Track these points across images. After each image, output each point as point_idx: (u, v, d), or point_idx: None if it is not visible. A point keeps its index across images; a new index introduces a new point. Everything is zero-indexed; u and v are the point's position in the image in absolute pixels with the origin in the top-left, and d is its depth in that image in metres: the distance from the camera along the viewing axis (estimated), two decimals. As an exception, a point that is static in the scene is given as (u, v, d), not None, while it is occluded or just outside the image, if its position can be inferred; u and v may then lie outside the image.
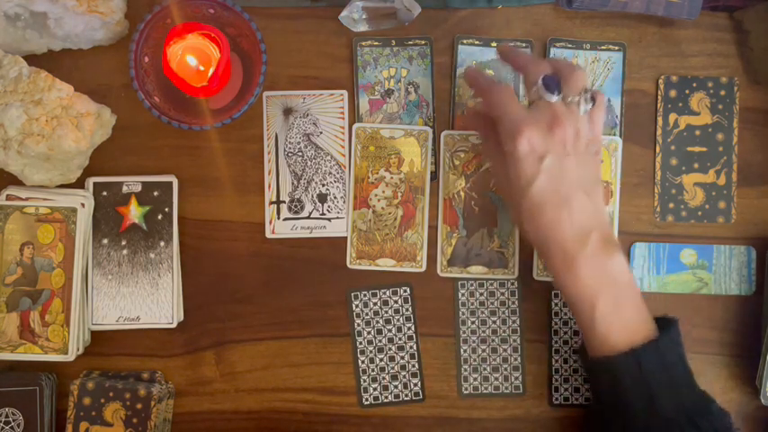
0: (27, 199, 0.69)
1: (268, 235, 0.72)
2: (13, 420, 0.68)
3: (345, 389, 0.73)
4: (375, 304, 0.73)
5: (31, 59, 0.68)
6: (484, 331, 0.73)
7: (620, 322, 0.60)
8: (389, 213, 0.72)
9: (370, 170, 0.72)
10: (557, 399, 0.73)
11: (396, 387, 0.73)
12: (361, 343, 0.73)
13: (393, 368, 0.73)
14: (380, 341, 0.73)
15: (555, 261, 0.61)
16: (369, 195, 0.72)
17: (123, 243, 0.71)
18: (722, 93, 0.74)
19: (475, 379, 0.73)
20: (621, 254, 0.61)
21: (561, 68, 0.63)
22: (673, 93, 0.74)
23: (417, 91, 0.73)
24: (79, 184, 0.71)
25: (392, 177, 0.73)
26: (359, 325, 0.73)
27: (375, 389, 0.73)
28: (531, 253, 0.73)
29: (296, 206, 0.72)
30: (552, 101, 0.61)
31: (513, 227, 0.73)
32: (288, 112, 0.72)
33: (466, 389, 0.73)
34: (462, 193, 0.73)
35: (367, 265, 0.72)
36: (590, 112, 0.62)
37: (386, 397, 0.73)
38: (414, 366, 0.73)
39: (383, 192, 0.72)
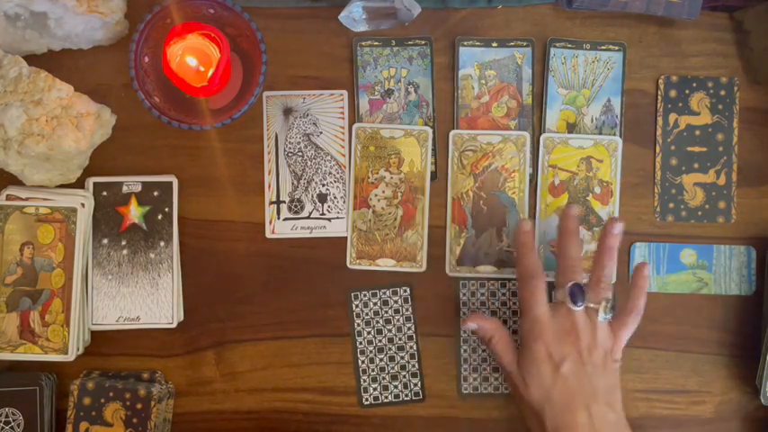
0: (27, 199, 0.69)
1: (268, 235, 0.72)
2: (13, 420, 0.68)
3: (345, 389, 0.73)
4: (375, 304, 0.73)
5: (31, 59, 0.68)
6: (484, 331, 0.73)
7: None
8: (389, 213, 0.72)
9: (370, 170, 0.72)
10: (557, 399, 0.73)
11: (396, 387, 0.73)
12: (361, 343, 0.73)
13: (393, 368, 0.73)
14: (380, 341, 0.73)
15: None
16: (369, 195, 0.72)
17: (123, 243, 0.71)
18: (722, 93, 0.74)
19: (475, 379, 0.73)
20: None
21: (591, 275, 0.66)
22: (673, 93, 0.74)
23: (417, 91, 0.73)
24: (79, 184, 0.71)
25: (392, 177, 0.73)
26: (359, 325, 0.73)
27: (375, 389, 0.73)
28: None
29: (296, 206, 0.72)
30: (575, 310, 0.64)
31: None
32: (288, 112, 0.72)
33: (466, 389, 0.73)
34: (471, 193, 0.73)
35: (367, 265, 0.72)
36: (612, 324, 0.65)
37: (386, 397, 0.73)
38: (414, 366, 0.73)
39: (383, 192, 0.72)
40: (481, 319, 0.68)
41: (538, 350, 0.63)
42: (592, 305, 0.64)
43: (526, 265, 0.67)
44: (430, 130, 0.72)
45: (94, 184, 0.71)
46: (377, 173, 0.72)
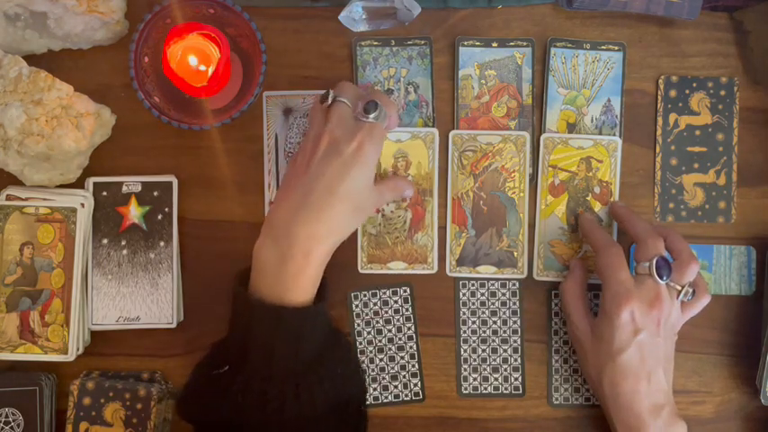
0: (27, 199, 0.69)
1: (268, 235, 0.72)
2: (13, 420, 0.68)
3: (345, 389, 0.73)
4: (375, 304, 0.73)
5: (31, 59, 0.68)
6: (484, 331, 0.73)
7: None
8: (399, 216, 0.72)
9: (378, 174, 0.72)
10: (556, 399, 0.73)
11: (396, 387, 0.73)
12: (360, 343, 0.73)
13: (393, 368, 0.73)
14: (380, 341, 0.73)
15: (623, 427, 0.65)
16: None
17: (123, 243, 0.71)
18: (722, 93, 0.74)
19: (475, 379, 0.73)
20: (685, 426, 0.65)
21: (679, 253, 0.67)
22: (673, 93, 0.74)
23: (417, 91, 0.73)
24: (79, 184, 0.71)
25: None
26: (359, 325, 0.73)
27: (375, 389, 0.73)
28: (534, 252, 0.73)
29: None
30: (660, 283, 0.64)
31: (522, 225, 0.73)
32: (288, 112, 0.72)
33: (466, 389, 0.73)
34: (471, 193, 0.73)
35: (378, 269, 0.72)
36: (683, 303, 0.67)
37: (386, 397, 0.73)
38: (414, 366, 0.73)
39: None
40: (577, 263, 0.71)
41: (623, 315, 0.63)
42: (673, 284, 0.65)
43: (599, 237, 0.68)
44: (436, 132, 0.72)
45: (94, 184, 0.71)
46: (385, 176, 0.72)
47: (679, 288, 0.66)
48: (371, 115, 0.62)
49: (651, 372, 0.64)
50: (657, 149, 0.74)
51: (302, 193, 0.61)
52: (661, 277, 0.64)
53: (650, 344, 0.64)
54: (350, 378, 0.65)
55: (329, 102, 0.64)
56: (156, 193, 0.71)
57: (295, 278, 0.60)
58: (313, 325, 0.61)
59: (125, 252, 0.71)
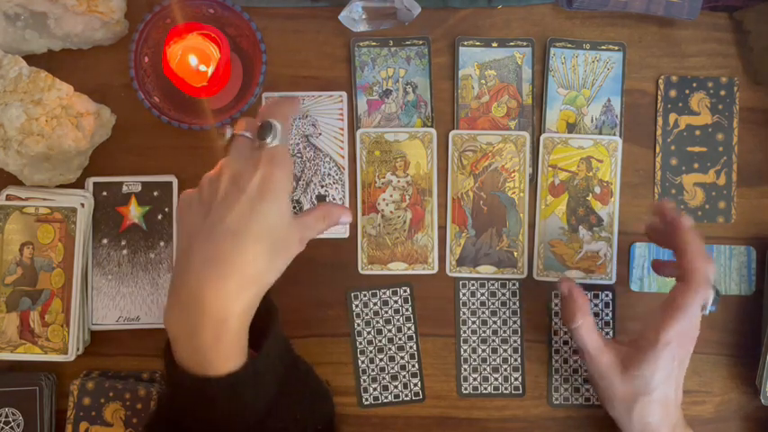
0: (27, 199, 0.69)
1: (268, 235, 0.72)
2: (13, 420, 0.68)
3: (345, 389, 0.73)
4: (375, 304, 0.73)
5: (31, 59, 0.68)
6: (484, 331, 0.73)
7: None
8: (398, 217, 0.72)
9: (376, 174, 0.72)
10: (557, 399, 0.73)
11: (396, 387, 0.73)
12: (360, 343, 0.73)
13: (393, 368, 0.73)
14: (380, 341, 0.73)
15: None
16: (377, 200, 0.72)
17: (123, 243, 0.71)
18: (722, 93, 0.74)
19: (475, 379, 0.73)
20: None
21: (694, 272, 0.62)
22: (673, 93, 0.74)
23: (415, 91, 0.73)
24: (79, 184, 0.71)
25: (399, 181, 0.73)
26: (359, 325, 0.73)
27: (375, 389, 0.73)
28: (534, 252, 0.73)
29: (295, 207, 0.72)
30: (707, 312, 0.62)
31: (522, 225, 0.73)
32: (287, 112, 0.72)
33: (465, 389, 0.73)
34: (471, 193, 0.73)
35: (379, 269, 0.72)
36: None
37: (386, 397, 0.73)
38: (414, 366, 0.73)
39: (391, 196, 0.73)
40: (577, 290, 0.64)
41: (668, 351, 0.61)
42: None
43: (700, 267, 0.61)
44: (434, 132, 0.72)
45: (94, 184, 0.71)
46: (383, 177, 0.72)
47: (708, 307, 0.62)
48: (268, 139, 0.54)
49: (677, 396, 0.63)
50: (657, 149, 0.74)
51: (204, 246, 0.52)
52: (707, 307, 0.62)
53: (682, 372, 0.63)
54: (316, 401, 0.59)
55: (227, 139, 0.57)
56: (156, 193, 0.71)
57: (214, 349, 0.51)
58: (254, 384, 0.53)
59: (125, 252, 0.71)
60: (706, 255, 0.62)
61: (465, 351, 0.73)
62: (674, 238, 0.62)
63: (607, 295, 0.73)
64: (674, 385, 0.63)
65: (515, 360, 0.73)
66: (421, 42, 0.73)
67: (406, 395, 0.73)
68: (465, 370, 0.73)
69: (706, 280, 0.60)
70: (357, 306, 0.73)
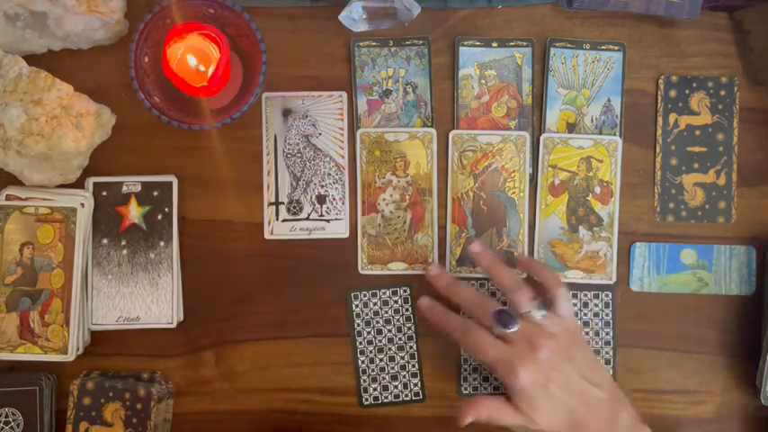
0: (27, 199, 0.69)
1: (267, 236, 0.72)
2: (13, 420, 0.68)
3: (345, 389, 0.73)
4: (375, 304, 0.73)
5: (31, 59, 0.68)
6: (484, 331, 0.73)
7: None
8: (398, 217, 0.72)
9: (376, 174, 0.72)
10: (557, 399, 0.73)
11: (396, 387, 0.73)
12: (360, 343, 0.73)
13: (393, 368, 0.73)
14: (380, 341, 0.73)
15: None
16: (377, 200, 0.72)
17: (123, 243, 0.71)
18: (722, 93, 0.74)
19: (475, 379, 0.73)
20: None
21: (505, 289, 0.66)
22: (673, 93, 0.74)
23: (415, 91, 0.73)
24: (79, 184, 0.71)
25: (399, 181, 0.73)
26: (359, 325, 0.73)
27: (375, 389, 0.73)
28: (535, 252, 0.73)
29: (295, 207, 0.72)
30: (515, 329, 0.63)
31: (522, 225, 0.73)
32: (287, 113, 0.72)
33: (466, 389, 0.73)
34: (471, 193, 0.73)
35: (379, 270, 0.72)
36: (550, 307, 0.65)
37: (386, 397, 0.73)
38: (414, 366, 0.73)
39: (391, 196, 0.73)
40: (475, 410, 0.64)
41: (523, 381, 0.62)
42: (524, 312, 0.64)
43: (458, 323, 0.67)
44: (434, 132, 0.72)
45: (94, 184, 0.71)
46: (383, 177, 0.72)
47: (529, 311, 0.64)
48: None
49: (588, 396, 0.62)
50: (657, 149, 0.74)
51: None
52: (507, 326, 0.63)
53: (566, 378, 0.62)
54: None
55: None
56: (156, 193, 0.71)
57: None
58: None
59: (125, 252, 0.71)
60: (464, 296, 0.67)
61: (465, 351, 0.73)
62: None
63: (607, 295, 0.73)
64: (579, 394, 0.62)
65: (515, 360, 0.73)
66: (421, 42, 0.73)
67: (406, 395, 0.73)
68: (465, 370, 0.73)
69: (462, 330, 0.65)
70: (357, 306, 0.73)
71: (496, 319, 0.63)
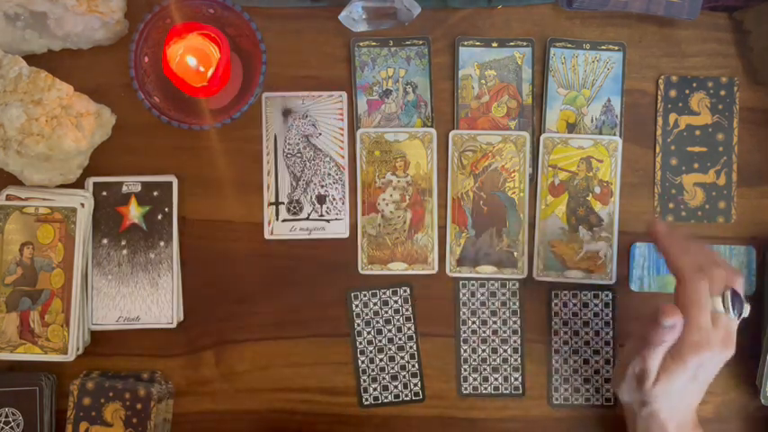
0: (27, 199, 0.69)
1: (267, 236, 0.72)
2: (13, 420, 0.68)
3: (345, 389, 0.73)
4: (375, 304, 0.73)
5: (31, 59, 0.68)
6: (484, 331, 0.73)
7: None
8: (398, 217, 0.72)
9: (376, 174, 0.72)
10: (557, 399, 0.73)
11: (396, 387, 0.73)
12: (360, 343, 0.73)
13: (393, 368, 0.73)
14: (380, 341, 0.73)
15: None
16: (377, 200, 0.72)
17: (123, 243, 0.71)
18: (722, 93, 0.74)
19: (475, 379, 0.73)
20: None
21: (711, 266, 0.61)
22: (673, 93, 0.74)
23: (415, 91, 0.73)
24: (79, 184, 0.71)
25: (399, 181, 0.73)
26: (359, 325, 0.73)
27: (375, 389, 0.73)
28: (534, 252, 0.73)
29: (295, 207, 0.72)
30: (733, 320, 0.60)
31: (522, 225, 0.73)
32: (287, 113, 0.72)
33: (466, 389, 0.73)
34: (471, 193, 0.73)
35: (379, 269, 0.72)
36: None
37: (386, 397, 0.73)
38: (414, 366, 0.73)
39: (391, 196, 0.73)
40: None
41: (692, 362, 0.60)
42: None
43: (685, 263, 0.61)
44: (434, 132, 0.72)
45: (94, 184, 0.71)
46: (383, 177, 0.72)
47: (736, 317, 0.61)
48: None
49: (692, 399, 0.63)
50: (657, 149, 0.74)
51: None
52: (737, 313, 0.60)
53: (707, 377, 0.62)
54: None
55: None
56: (156, 193, 0.71)
57: None
58: None
59: (125, 252, 0.71)
60: (695, 251, 0.62)
61: (465, 351, 0.73)
62: (659, 248, 0.64)
63: (607, 295, 0.73)
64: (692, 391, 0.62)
65: (515, 360, 0.73)
66: (421, 42, 0.73)
67: (406, 395, 0.73)
68: (465, 370, 0.73)
69: (696, 272, 0.60)
70: (357, 306, 0.73)
71: (732, 300, 0.60)
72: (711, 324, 0.59)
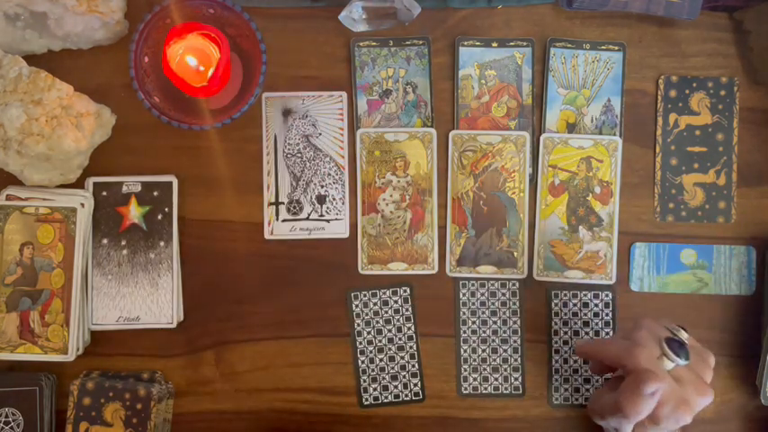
0: (27, 199, 0.69)
1: (267, 236, 0.72)
2: (13, 420, 0.68)
3: (345, 389, 0.73)
4: (375, 304, 0.73)
5: (31, 59, 0.69)
6: (484, 331, 0.73)
7: None
8: (398, 217, 0.72)
9: (376, 174, 0.72)
10: (557, 399, 0.73)
11: (396, 387, 0.73)
12: (360, 343, 0.73)
13: (393, 368, 0.73)
14: (380, 341, 0.73)
15: None
16: (377, 200, 0.72)
17: (123, 243, 0.71)
18: (722, 93, 0.74)
19: (475, 379, 0.73)
20: None
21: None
22: (673, 93, 0.74)
23: (415, 91, 0.73)
24: (79, 184, 0.71)
25: (399, 181, 0.73)
26: (359, 325, 0.73)
27: (375, 389, 0.73)
28: (534, 252, 0.73)
29: (294, 207, 0.72)
30: (688, 363, 0.59)
31: (522, 226, 0.73)
32: (287, 113, 0.72)
33: (465, 389, 0.73)
34: (471, 193, 0.73)
35: (379, 270, 0.72)
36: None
37: (386, 397, 0.73)
38: (414, 366, 0.73)
39: (391, 196, 0.73)
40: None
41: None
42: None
43: (613, 351, 0.60)
44: (434, 132, 0.72)
45: (94, 184, 0.71)
46: (383, 177, 0.72)
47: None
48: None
49: None
50: (657, 149, 0.74)
51: None
52: (684, 356, 0.58)
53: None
54: None
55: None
56: (156, 193, 0.71)
57: None
58: None
59: (125, 252, 0.71)
60: (613, 338, 0.62)
61: (465, 351, 0.73)
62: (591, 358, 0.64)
63: (607, 295, 0.73)
64: None
65: (515, 360, 0.73)
66: (421, 42, 0.73)
67: (406, 395, 0.73)
68: (465, 370, 0.73)
69: (631, 349, 0.58)
70: (357, 306, 0.73)
71: (670, 348, 0.58)
72: (677, 383, 0.57)
